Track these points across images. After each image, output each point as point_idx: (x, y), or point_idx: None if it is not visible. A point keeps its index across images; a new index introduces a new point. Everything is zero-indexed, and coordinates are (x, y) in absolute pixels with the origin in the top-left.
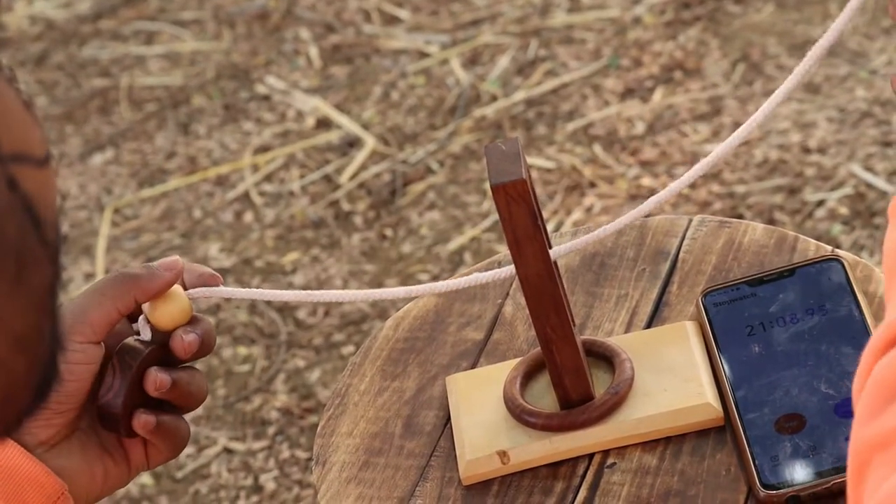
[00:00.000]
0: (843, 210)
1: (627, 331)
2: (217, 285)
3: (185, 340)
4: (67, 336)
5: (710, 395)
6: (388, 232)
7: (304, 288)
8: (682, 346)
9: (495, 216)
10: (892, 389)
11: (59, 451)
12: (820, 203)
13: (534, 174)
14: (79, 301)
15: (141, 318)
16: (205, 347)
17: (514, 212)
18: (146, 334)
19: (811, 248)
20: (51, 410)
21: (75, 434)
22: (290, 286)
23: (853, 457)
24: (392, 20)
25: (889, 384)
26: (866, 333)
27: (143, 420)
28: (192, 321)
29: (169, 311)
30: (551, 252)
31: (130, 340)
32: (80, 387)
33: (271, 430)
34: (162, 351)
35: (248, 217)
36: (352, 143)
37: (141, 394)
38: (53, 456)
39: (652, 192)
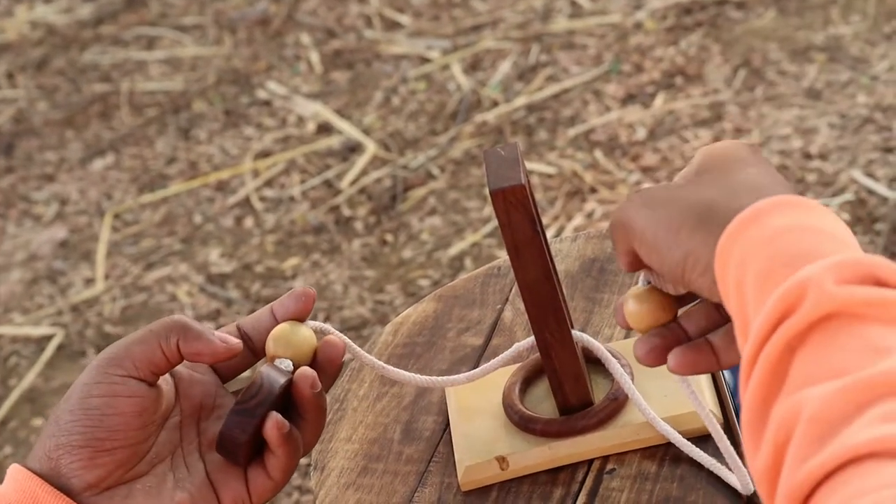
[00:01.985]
0: (845, 216)
1: (627, 336)
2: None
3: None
4: (105, 367)
5: (709, 401)
6: (389, 237)
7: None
8: None
9: (496, 221)
10: (829, 426)
11: (113, 495)
12: None
13: (535, 179)
14: (129, 335)
15: (277, 360)
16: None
17: (513, 217)
18: (286, 365)
19: None
20: (93, 449)
21: (141, 479)
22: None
23: (789, 496)
24: (393, 25)
25: (825, 420)
26: None
27: (276, 420)
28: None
29: (302, 347)
30: None
31: (272, 369)
32: (123, 422)
33: None
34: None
35: (249, 222)
36: (352, 149)
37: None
38: (105, 499)
39: None
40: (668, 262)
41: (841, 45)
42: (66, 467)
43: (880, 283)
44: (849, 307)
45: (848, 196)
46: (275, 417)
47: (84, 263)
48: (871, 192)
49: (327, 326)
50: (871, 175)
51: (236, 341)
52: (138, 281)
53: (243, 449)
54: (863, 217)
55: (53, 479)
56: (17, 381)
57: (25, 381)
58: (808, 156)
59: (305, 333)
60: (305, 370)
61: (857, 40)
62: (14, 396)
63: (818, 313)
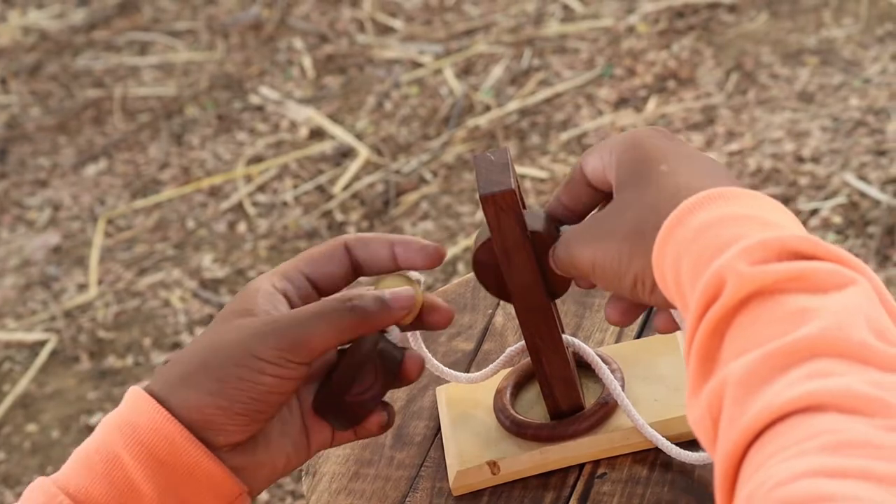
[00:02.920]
0: (837, 219)
1: (618, 341)
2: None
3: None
4: (285, 353)
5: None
6: None
7: None
8: (673, 357)
9: None
10: (754, 388)
11: (244, 449)
12: (814, 212)
13: (527, 184)
14: (305, 320)
15: (394, 330)
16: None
17: (503, 222)
18: (397, 336)
19: None
20: (247, 418)
21: (260, 432)
22: None
23: (725, 461)
24: (386, 30)
25: (750, 383)
26: None
27: (383, 418)
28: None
29: (413, 311)
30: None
31: (388, 346)
32: (281, 400)
33: None
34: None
35: (242, 227)
36: (345, 154)
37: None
38: (237, 454)
39: None
40: (623, 289)
41: (833, 48)
42: (219, 426)
43: (801, 256)
44: (767, 285)
45: (840, 199)
46: (382, 416)
47: (77, 269)
48: (863, 195)
49: (423, 279)
50: (863, 178)
51: (411, 298)
52: (131, 286)
53: (354, 427)
54: (855, 220)
55: (196, 430)
56: (11, 387)
57: (19, 386)
58: (800, 159)
59: (419, 295)
60: (415, 356)
61: (849, 43)
62: (7, 402)
63: (738, 296)
